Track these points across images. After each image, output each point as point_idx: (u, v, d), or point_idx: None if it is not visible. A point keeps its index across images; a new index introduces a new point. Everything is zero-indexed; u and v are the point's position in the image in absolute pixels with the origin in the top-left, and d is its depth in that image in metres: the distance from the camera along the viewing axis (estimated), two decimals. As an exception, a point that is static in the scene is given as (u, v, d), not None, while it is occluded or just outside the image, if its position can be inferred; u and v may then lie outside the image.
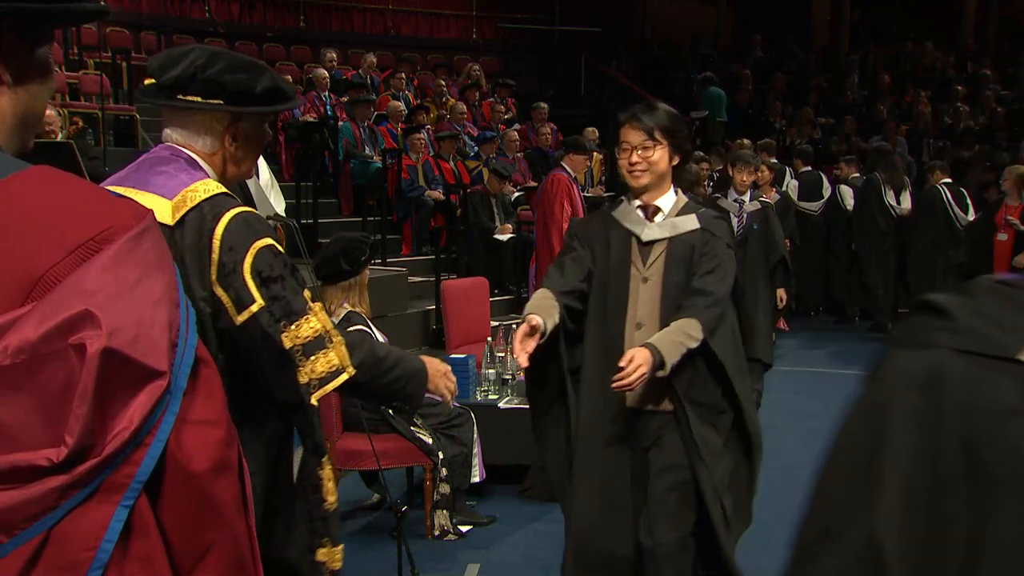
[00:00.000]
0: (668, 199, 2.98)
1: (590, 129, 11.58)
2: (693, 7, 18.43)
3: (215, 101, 1.96)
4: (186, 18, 13.48)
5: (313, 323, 1.95)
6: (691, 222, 2.93)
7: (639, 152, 2.87)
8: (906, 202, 9.75)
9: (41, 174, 1.05)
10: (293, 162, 10.17)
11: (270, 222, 4.79)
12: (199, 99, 1.96)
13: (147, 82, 2.04)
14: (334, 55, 12.35)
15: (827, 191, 10.39)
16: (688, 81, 15.59)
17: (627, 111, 2.91)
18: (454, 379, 2.33)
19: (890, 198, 9.73)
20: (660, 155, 2.89)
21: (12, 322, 0.94)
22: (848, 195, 10.03)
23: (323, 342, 1.95)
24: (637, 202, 2.97)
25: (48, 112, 7.35)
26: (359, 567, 4.25)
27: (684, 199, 3.00)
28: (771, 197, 8.52)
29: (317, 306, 1.97)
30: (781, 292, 6.57)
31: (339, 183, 10.14)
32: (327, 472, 2.05)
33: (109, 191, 1.12)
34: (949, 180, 9.39)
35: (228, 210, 1.91)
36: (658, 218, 2.95)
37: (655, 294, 2.89)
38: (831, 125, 13.77)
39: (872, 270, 9.76)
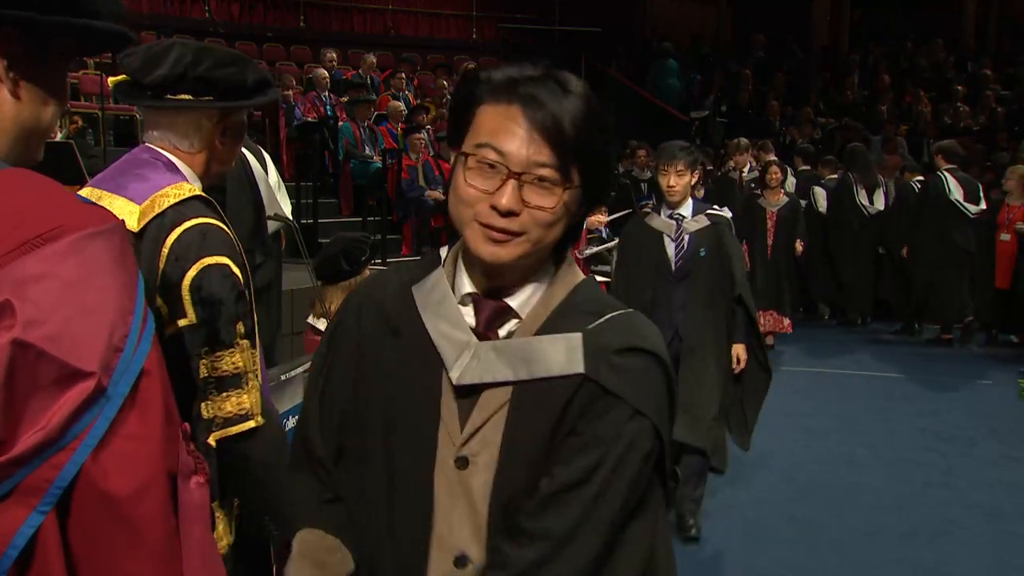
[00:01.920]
0: (532, 290, 1.35)
1: None
2: (693, 7, 18.42)
3: (206, 98, 1.90)
4: (186, 18, 13.49)
5: (236, 359, 1.82)
6: (565, 352, 1.29)
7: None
8: (879, 201, 9.84)
9: (13, 176, 1.03)
10: (293, 162, 10.17)
11: (271, 221, 4.76)
12: (190, 97, 1.89)
13: (117, 79, 1.94)
14: (334, 55, 12.36)
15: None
16: (688, 81, 15.60)
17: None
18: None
19: (862, 197, 9.83)
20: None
21: None
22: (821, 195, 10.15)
23: (240, 381, 1.81)
24: (467, 283, 1.36)
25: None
26: (359, 567, 4.25)
27: (568, 284, 1.36)
28: (778, 201, 8.37)
29: (246, 344, 1.85)
30: (739, 349, 4.42)
31: (339, 183, 10.15)
32: (220, 514, 1.90)
33: (80, 196, 1.08)
34: (953, 166, 9.22)
35: (189, 219, 1.83)
36: (504, 329, 1.34)
37: (480, 505, 1.31)
38: (831, 125, 13.77)
39: (847, 268, 9.92)
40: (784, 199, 8.59)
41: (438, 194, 9.58)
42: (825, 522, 4.75)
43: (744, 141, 10.39)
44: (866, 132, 12.88)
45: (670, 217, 4.48)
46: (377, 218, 9.52)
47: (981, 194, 8.99)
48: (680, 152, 4.38)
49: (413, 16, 15.79)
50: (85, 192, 1.90)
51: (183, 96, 1.88)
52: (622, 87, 15.00)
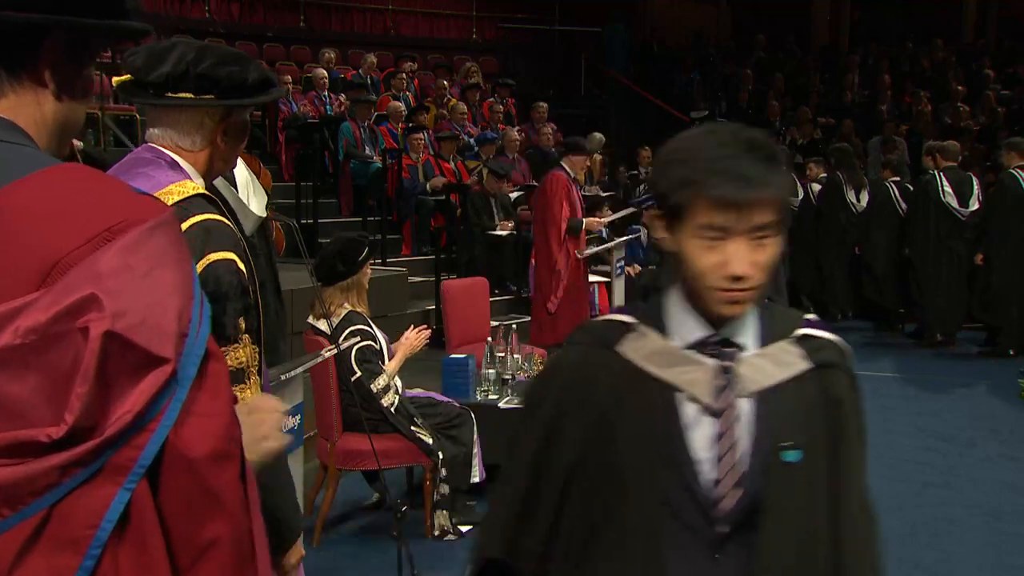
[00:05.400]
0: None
1: (598, 135, 11.62)
2: (693, 7, 18.42)
3: (208, 97, 1.91)
4: (186, 18, 13.48)
5: (238, 354, 1.86)
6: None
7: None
8: (864, 200, 9.95)
9: (70, 169, 1.10)
10: (293, 162, 10.17)
11: (250, 219, 4.76)
12: (191, 96, 1.90)
13: (121, 79, 1.95)
14: (333, 55, 12.37)
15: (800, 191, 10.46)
16: (688, 81, 15.59)
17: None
18: (296, 565, 2.06)
19: (851, 196, 9.95)
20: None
21: (26, 304, 0.97)
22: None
23: (241, 376, 1.85)
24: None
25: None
26: (359, 567, 4.26)
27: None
28: None
29: (247, 339, 1.89)
30: None
31: (339, 183, 10.15)
32: None
33: (132, 188, 1.16)
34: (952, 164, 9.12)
35: (192, 216, 1.84)
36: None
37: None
38: (831, 125, 13.77)
39: (832, 263, 10.04)
40: None
41: (439, 181, 9.62)
42: (825, 522, 4.75)
43: None
44: (854, 136, 12.90)
45: (702, 348, 1.50)
46: (377, 218, 9.51)
47: (976, 192, 8.89)
48: (764, 169, 1.41)
49: (413, 16, 15.78)
50: None
51: (184, 94, 1.89)
52: (622, 87, 15.01)
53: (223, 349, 1.82)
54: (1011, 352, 8.66)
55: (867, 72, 15.54)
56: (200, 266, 1.82)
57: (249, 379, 1.88)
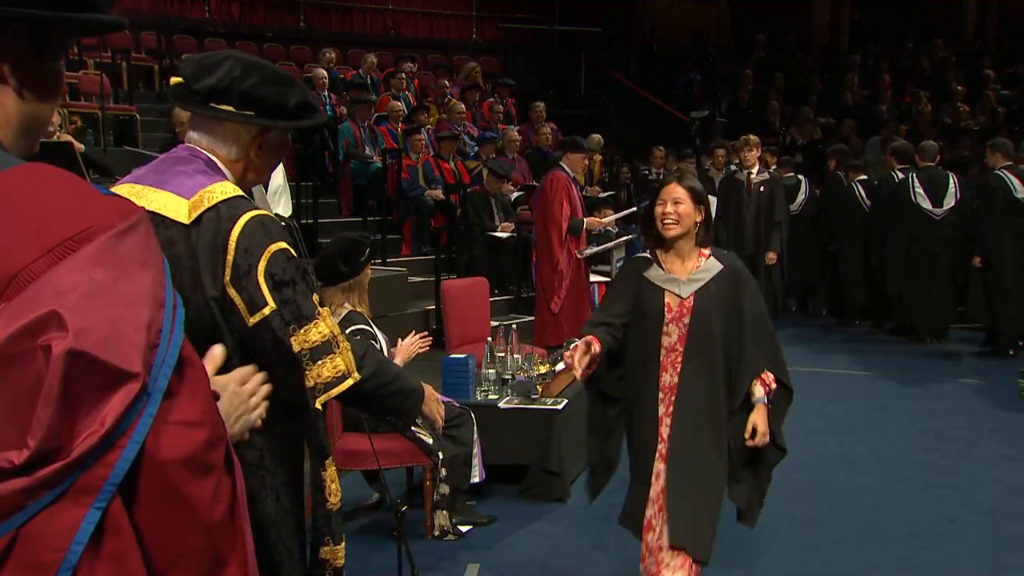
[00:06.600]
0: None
1: (596, 137, 11.60)
2: (693, 7, 18.43)
3: (248, 112, 2.00)
4: (186, 18, 13.48)
5: (322, 328, 1.99)
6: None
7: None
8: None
9: (32, 171, 1.04)
10: (293, 162, 10.16)
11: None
12: (232, 109, 2.00)
13: (175, 81, 2.07)
14: (333, 55, 12.36)
15: (803, 192, 10.48)
16: (688, 81, 15.59)
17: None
18: (443, 406, 2.49)
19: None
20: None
21: None
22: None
23: (330, 347, 1.99)
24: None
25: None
26: (359, 567, 4.25)
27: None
28: (696, 272, 3.38)
29: (325, 311, 2.02)
30: None
31: (339, 183, 10.14)
32: (330, 473, 2.10)
33: (98, 189, 1.09)
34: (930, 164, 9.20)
35: (245, 212, 1.94)
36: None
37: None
38: (831, 125, 13.77)
39: (844, 263, 10.10)
40: (709, 268, 3.45)
41: (438, 193, 9.59)
42: (825, 522, 4.75)
43: (753, 138, 9.61)
44: (854, 136, 12.92)
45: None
46: (377, 218, 9.51)
47: (953, 190, 8.87)
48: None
49: (413, 16, 15.78)
50: (125, 188, 1.98)
51: (226, 107, 2.00)
52: (622, 87, 15.01)
53: (306, 328, 1.94)
54: (1011, 352, 8.66)
55: (867, 72, 15.54)
56: (264, 259, 1.92)
57: (339, 346, 2.01)
